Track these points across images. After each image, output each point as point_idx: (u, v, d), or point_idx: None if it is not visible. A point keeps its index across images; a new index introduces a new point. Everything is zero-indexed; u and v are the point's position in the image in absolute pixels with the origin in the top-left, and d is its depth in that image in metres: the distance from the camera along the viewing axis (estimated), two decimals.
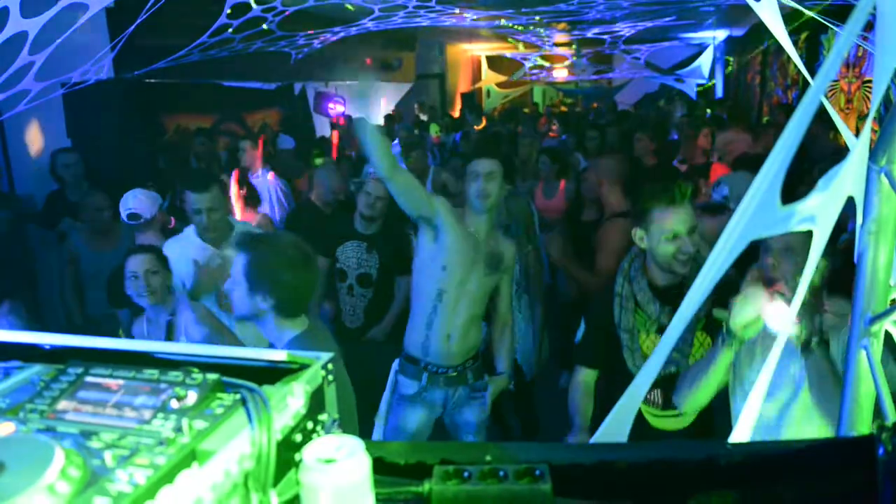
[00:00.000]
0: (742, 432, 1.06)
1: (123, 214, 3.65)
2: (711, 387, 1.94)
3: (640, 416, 2.42)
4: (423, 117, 10.95)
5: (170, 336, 2.75)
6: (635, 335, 2.35)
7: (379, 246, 3.65)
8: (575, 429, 2.41)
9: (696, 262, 2.32)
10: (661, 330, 2.34)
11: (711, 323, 2.26)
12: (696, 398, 1.98)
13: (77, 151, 4.86)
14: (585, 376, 2.45)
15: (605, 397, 2.44)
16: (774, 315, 1.57)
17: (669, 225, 2.24)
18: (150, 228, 3.68)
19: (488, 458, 0.78)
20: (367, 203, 3.60)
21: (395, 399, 2.95)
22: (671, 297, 2.33)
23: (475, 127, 8.96)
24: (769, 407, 1.88)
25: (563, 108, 15.92)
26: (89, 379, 0.74)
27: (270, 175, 5.09)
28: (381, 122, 9.72)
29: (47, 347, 0.80)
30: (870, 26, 0.95)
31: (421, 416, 2.93)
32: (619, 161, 3.85)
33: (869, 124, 1.06)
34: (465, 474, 0.75)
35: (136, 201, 3.64)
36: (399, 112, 11.44)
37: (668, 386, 2.27)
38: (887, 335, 0.98)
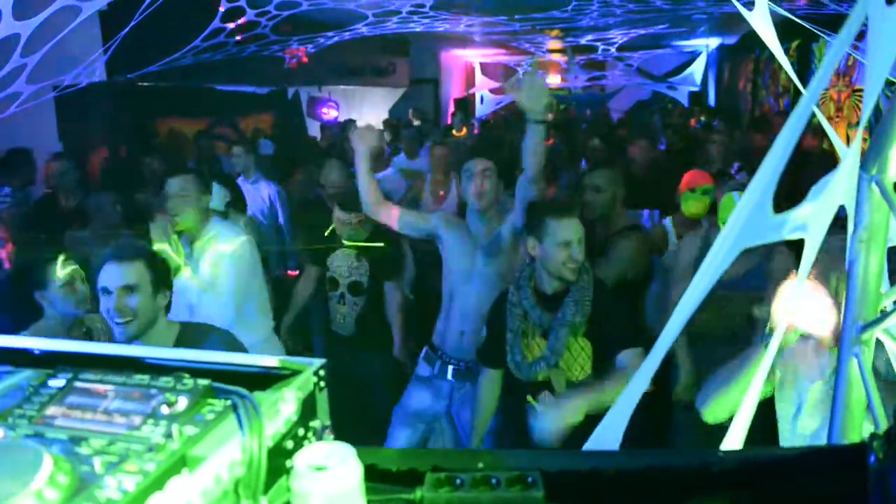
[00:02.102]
0: (734, 440, 1.06)
1: (225, 205, 3.72)
2: (738, 395, 1.68)
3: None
4: (416, 122, 10.94)
5: None
6: (518, 338, 2.55)
7: (368, 252, 3.63)
8: (476, 420, 2.76)
9: (586, 270, 2.53)
10: (544, 335, 2.52)
11: (594, 331, 2.47)
12: (719, 405, 1.78)
13: (69, 156, 4.83)
14: (490, 375, 2.74)
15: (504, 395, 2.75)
16: (810, 318, 1.48)
17: (562, 234, 2.45)
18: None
19: (480, 465, 0.77)
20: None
21: (412, 380, 3.19)
22: (554, 304, 2.50)
23: (455, 133, 8.84)
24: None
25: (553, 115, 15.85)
26: (78, 384, 0.73)
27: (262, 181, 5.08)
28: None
29: (36, 352, 0.80)
30: (860, 36, 0.95)
31: (425, 398, 3.10)
32: (617, 172, 3.76)
33: (860, 133, 1.06)
34: (458, 481, 0.74)
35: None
36: (395, 117, 11.41)
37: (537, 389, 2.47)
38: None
